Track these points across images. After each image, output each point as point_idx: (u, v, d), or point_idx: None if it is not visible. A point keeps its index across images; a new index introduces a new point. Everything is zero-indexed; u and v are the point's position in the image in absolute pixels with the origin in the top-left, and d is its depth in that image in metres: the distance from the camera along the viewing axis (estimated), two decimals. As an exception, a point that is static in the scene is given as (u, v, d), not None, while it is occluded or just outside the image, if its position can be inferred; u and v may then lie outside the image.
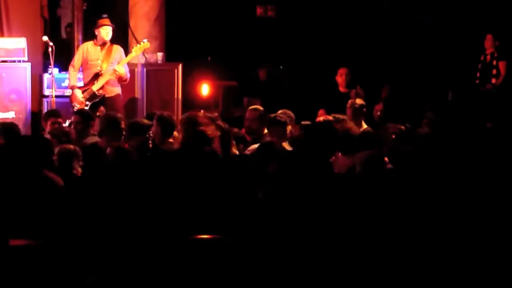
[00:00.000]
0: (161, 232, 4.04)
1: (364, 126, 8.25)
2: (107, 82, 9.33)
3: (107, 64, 9.37)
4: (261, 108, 7.95)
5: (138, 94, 10.65)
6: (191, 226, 4.12)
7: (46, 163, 4.92)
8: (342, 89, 10.71)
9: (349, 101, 8.92)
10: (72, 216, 4.13)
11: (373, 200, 4.29)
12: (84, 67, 9.49)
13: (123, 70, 9.42)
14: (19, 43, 10.53)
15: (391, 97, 10.70)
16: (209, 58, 12.19)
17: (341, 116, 7.56)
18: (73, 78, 9.56)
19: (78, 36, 11.62)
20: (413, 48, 11.80)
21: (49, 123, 7.93)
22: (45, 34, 10.73)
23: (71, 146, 5.72)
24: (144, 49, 9.99)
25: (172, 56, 11.44)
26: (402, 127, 6.99)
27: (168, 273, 3.86)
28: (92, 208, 4.23)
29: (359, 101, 9.02)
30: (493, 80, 10.32)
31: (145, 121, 6.67)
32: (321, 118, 7.85)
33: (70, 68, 9.67)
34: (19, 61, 10.39)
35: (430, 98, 9.53)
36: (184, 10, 12.04)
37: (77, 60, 9.59)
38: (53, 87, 10.40)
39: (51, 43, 10.05)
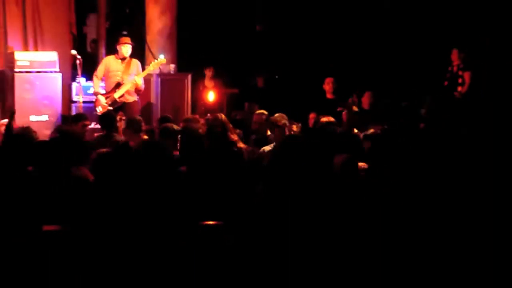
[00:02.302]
0: (174, 219, 4.00)
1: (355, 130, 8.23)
2: (126, 91, 9.33)
3: (127, 75, 9.39)
4: (266, 112, 7.97)
5: (153, 100, 10.69)
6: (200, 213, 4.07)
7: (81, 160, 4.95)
8: (329, 95, 10.83)
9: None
10: (98, 205, 4.09)
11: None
12: (106, 77, 9.51)
13: (140, 82, 9.47)
14: (51, 56, 10.58)
15: (373, 102, 10.68)
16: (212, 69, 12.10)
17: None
18: (97, 86, 9.58)
19: (101, 50, 11.64)
20: (390, 60, 11.77)
21: (80, 124, 7.93)
22: (73, 49, 10.76)
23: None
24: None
25: (182, 67, 11.43)
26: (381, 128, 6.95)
27: (179, 254, 3.80)
28: (117, 197, 4.18)
29: (354, 108, 9.10)
30: (459, 88, 10.32)
31: (175, 126, 6.62)
32: (323, 120, 7.85)
33: (94, 77, 9.71)
34: (51, 72, 10.43)
35: (405, 105, 9.47)
36: (193, 28, 12.03)
37: (100, 70, 9.61)
38: (81, 94, 10.46)
39: (78, 56, 10.08)
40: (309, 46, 12.28)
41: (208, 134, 6.41)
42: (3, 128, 8.50)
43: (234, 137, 6.85)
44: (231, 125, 6.95)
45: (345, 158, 4.76)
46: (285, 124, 7.55)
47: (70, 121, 9.54)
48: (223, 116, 7.31)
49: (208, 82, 11.77)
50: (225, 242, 3.61)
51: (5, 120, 8.86)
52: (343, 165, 4.68)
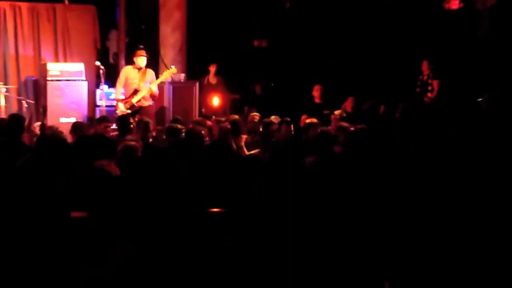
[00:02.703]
0: (184, 206, 3.97)
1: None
2: (143, 97, 9.33)
3: (143, 83, 9.39)
4: (258, 115, 8.00)
5: (166, 104, 10.69)
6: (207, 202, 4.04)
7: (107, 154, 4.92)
8: (317, 100, 10.86)
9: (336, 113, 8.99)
10: (119, 194, 4.07)
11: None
12: (125, 84, 9.50)
13: (155, 89, 9.46)
14: (79, 67, 10.58)
15: (355, 106, 10.67)
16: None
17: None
18: (118, 92, 9.56)
19: (121, 61, 11.64)
20: (370, 70, 11.78)
21: (102, 126, 7.89)
22: (97, 60, 10.75)
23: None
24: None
25: (191, 76, 11.42)
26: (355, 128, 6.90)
27: (188, 238, 3.77)
28: (134, 188, 4.17)
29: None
30: (429, 94, 10.32)
31: (179, 126, 6.61)
32: (307, 121, 7.89)
33: (118, 85, 9.68)
34: (79, 80, 10.41)
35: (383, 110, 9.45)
36: (200, 42, 12.01)
37: (120, 79, 9.57)
38: (103, 99, 10.44)
39: (102, 67, 10.08)
40: (300, 58, 12.29)
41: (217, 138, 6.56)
42: (37, 129, 8.48)
43: (241, 142, 6.88)
44: (241, 128, 7.04)
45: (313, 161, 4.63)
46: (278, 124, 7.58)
47: (94, 123, 9.53)
48: (236, 117, 7.36)
49: (212, 78, 11.72)
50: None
51: (39, 123, 8.87)
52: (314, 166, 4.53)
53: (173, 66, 10.13)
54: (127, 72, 9.62)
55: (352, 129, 6.93)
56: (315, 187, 4.05)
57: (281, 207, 3.70)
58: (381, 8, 11.56)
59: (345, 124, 7.20)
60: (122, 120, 7.65)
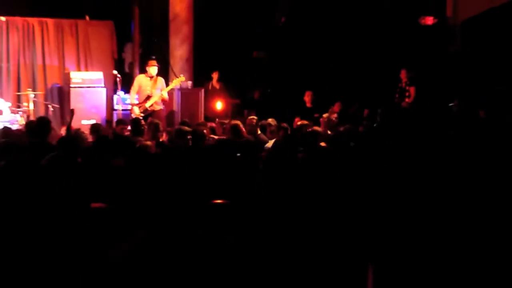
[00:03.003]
0: (191, 197, 3.97)
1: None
2: (154, 102, 9.34)
3: (155, 89, 9.39)
4: (256, 117, 7.97)
5: (175, 108, 10.69)
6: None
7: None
8: (308, 104, 10.84)
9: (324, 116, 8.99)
10: (133, 188, 4.07)
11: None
12: (139, 91, 9.49)
13: (166, 95, 9.48)
14: (98, 75, 10.62)
15: (342, 109, 10.69)
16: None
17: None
18: (133, 98, 9.56)
19: (136, 70, 11.67)
20: (356, 79, 11.80)
21: (119, 127, 7.91)
22: (114, 69, 10.72)
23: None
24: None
25: (197, 83, 11.43)
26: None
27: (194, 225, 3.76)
28: (148, 180, 4.15)
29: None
30: (407, 99, 10.33)
31: (187, 128, 6.62)
32: (299, 123, 7.91)
33: (132, 91, 9.66)
34: (98, 87, 10.42)
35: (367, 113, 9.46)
36: (205, 54, 12.01)
37: (134, 86, 9.57)
38: (120, 104, 10.45)
39: (118, 75, 10.08)
40: (293, 68, 12.30)
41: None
42: (63, 131, 8.51)
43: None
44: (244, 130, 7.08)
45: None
46: (274, 126, 7.57)
47: (112, 125, 9.56)
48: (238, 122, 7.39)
49: (215, 83, 11.72)
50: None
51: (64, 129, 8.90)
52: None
53: (181, 75, 10.13)
54: (140, 80, 9.63)
55: (341, 129, 7.00)
56: (305, 176, 4.05)
57: (278, 194, 3.66)
58: (367, 24, 11.58)
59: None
60: (135, 122, 7.68)
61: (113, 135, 6.92)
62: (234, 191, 4.07)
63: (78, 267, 3.33)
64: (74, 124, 9.00)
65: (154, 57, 10.04)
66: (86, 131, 7.12)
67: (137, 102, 9.54)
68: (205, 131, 6.58)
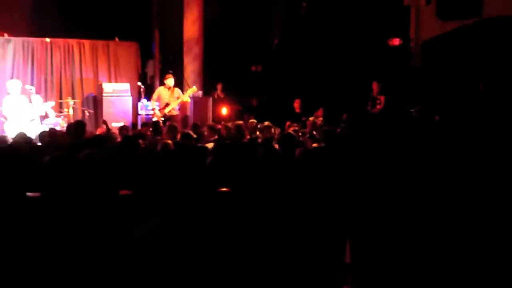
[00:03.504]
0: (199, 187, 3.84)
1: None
2: (172, 108, 9.37)
3: (172, 98, 9.38)
4: (255, 121, 7.98)
5: (188, 113, 10.74)
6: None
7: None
8: (297, 110, 10.86)
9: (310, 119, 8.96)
10: (155, 177, 3.96)
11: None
12: (158, 99, 9.50)
13: (187, 98, 9.69)
14: (126, 86, 10.64)
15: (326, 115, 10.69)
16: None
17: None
18: (154, 105, 9.54)
19: (156, 82, 11.71)
20: (336, 90, 11.77)
21: (144, 129, 7.94)
22: (139, 81, 10.73)
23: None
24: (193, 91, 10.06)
25: (206, 93, 11.45)
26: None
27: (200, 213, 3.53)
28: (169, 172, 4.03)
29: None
30: (378, 106, 10.33)
31: (191, 132, 6.58)
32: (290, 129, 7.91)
33: (152, 100, 9.67)
34: (125, 96, 10.41)
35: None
36: (213, 69, 12.01)
37: (155, 96, 9.60)
38: (143, 110, 10.47)
39: (142, 86, 10.11)
40: (285, 80, 12.30)
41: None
42: (98, 131, 8.53)
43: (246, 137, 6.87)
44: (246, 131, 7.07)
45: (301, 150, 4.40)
46: (270, 128, 7.55)
47: (137, 126, 9.57)
48: (241, 122, 7.37)
49: (220, 93, 11.71)
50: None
51: (99, 129, 8.91)
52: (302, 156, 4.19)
53: (194, 86, 10.15)
54: (160, 91, 9.64)
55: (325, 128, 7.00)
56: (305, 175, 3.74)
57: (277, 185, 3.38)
58: (345, 45, 11.57)
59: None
60: (155, 125, 7.70)
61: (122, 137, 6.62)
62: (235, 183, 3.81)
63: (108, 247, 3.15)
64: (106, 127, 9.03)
65: (171, 71, 10.07)
66: (116, 132, 7.13)
67: (158, 108, 9.56)
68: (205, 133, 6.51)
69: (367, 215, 2.90)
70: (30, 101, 8.93)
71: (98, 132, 8.42)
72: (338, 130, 7.40)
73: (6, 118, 8.52)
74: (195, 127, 7.26)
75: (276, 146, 5.29)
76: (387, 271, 2.58)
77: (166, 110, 9.37)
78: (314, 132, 7.82)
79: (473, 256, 2.41)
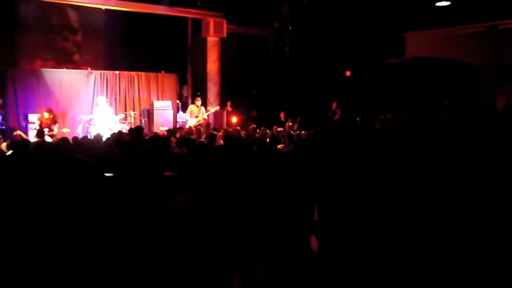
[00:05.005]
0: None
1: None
2: (199, 120, 9.31)
3: (199, 113, 9.36)
4: (254, 125, 7.91)
5: (211, 121, 10.64)
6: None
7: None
8: (282, 119, 10.81)
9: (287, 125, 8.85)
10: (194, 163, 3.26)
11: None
12: (190, 113, 9.48)
13: (206, 116, 9.65)
14: (169, 103, 10.49)
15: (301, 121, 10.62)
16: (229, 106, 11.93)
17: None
18: (187, 117, 9.52)
19: (189, 101, 11.56)
20: (309, 105, 11.68)
21: (179, 131, 7.86)
22: (177, 100, 10.64)
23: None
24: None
25: (221, 107, 11.31)
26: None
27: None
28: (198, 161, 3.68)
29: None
30: (336, 116, 10.31)
31: (215, 132, 6.44)
32: (275, 128, 7.82)
33: (186, 113, 9.61)
34: (168, 109, 10.30)
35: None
36: (226, 91, 11.90)
37: (188, 110, 9.60)
38: (180, 119, 10.35)
39: (179, 103, 9.99)
40: (275, 99, 12.22)
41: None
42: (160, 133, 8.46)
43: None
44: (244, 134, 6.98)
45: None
46: (265, 131, 7.47)
47: (176, 130, 9.48)
48: (239, 129, 7.24)
49: (229, 108, 11.61)
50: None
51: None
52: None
53: (216, 106, 10.14)
54: (191, 107, 9.69)
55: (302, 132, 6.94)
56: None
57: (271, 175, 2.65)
58: (317, 77, 11.51)
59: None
60: (189, 130, 7.60)
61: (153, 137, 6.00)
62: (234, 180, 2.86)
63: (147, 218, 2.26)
64: (155, 130, 8.95)
65: (199, 93, 10.00)
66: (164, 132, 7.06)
67: (189, 118, 9.48)
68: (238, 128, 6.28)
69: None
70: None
71: (151, 133, 8.37)
72: (312, 131, 7.37)
73: (91, 124, 8.73)
74: (215, 131, 7.22)
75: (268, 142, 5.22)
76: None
77: (195, 121, 9.37)
78: (292, 132, 7.79)
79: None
